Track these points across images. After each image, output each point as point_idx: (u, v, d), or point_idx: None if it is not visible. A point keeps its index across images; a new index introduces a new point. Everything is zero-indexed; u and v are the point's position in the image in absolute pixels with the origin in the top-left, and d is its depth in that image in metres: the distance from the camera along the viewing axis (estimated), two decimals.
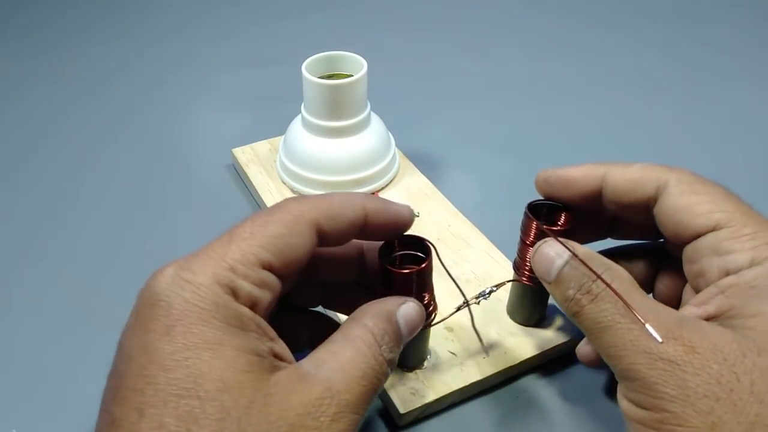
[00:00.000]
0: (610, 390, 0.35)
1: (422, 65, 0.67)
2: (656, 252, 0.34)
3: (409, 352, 0.33)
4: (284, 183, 0.48)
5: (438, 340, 0.36)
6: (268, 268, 0.26)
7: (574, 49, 0.71)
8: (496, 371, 0.34)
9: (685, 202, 0.29)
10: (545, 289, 0.30)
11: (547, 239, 0.30)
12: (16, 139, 0.56)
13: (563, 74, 0.66)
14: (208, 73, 0.66)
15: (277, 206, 0.27)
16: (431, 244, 0.30)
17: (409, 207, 0.30)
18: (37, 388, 0.36)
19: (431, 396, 0.33)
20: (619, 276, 0.27)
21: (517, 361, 0.35)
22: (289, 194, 0.47)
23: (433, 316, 0.32)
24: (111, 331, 0.39)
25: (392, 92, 0.60)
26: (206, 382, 0.22)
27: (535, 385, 0.36)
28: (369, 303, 0.28)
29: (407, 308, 0.28)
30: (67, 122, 0.58)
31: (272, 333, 0.25)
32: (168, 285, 0.24)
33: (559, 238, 0.30)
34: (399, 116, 0.53)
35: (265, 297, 0.25)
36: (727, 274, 0.27)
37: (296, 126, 0.47)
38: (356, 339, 0.26)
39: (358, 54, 0.46)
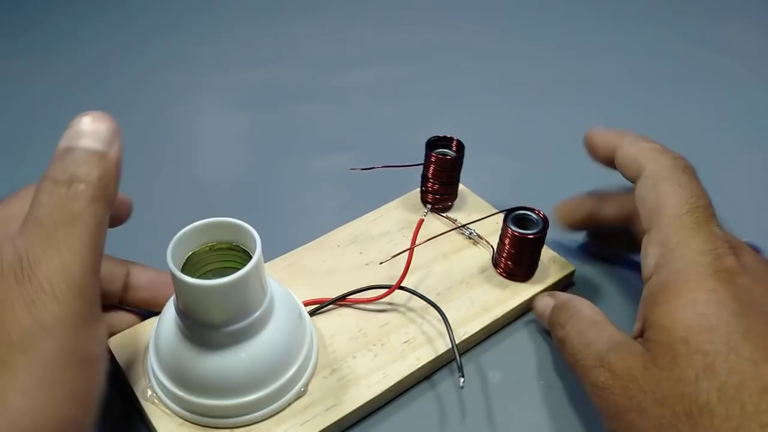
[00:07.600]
0: None
1: (422, 64, 0.67)
2: None
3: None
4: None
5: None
6: None
7: (575, 46, 0.70)
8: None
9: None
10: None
11: (539, 294, 0.39)
12: (8, 139, 0.56)
13: (565, 72, 0.65)
14: (204, 72, 0.65)
15: None
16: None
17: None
18: None
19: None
20: (580, 319, 0.33)
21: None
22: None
23: None
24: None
25: (392, 91, 0.61)
26: None
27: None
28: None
29: None
30: (62, 121, 0.52)
31: None
32: None
33: (549, 293, 0.39)
34: (399, 116, 0.54)
35: None
36: (648, 274, 0.32)
37: (170, 326, 0.34)
38: None
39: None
